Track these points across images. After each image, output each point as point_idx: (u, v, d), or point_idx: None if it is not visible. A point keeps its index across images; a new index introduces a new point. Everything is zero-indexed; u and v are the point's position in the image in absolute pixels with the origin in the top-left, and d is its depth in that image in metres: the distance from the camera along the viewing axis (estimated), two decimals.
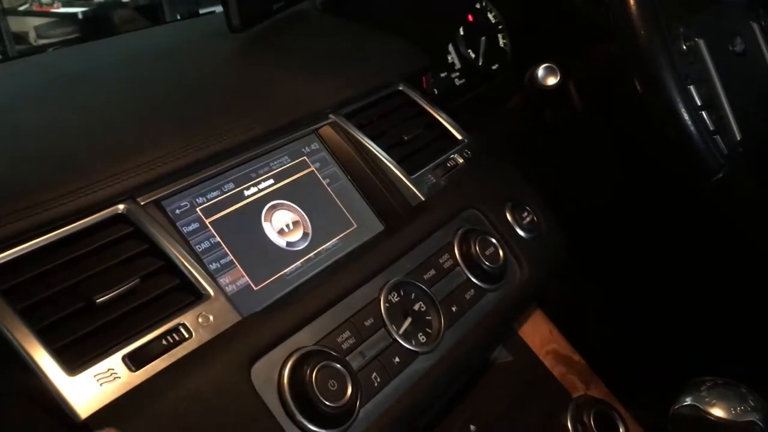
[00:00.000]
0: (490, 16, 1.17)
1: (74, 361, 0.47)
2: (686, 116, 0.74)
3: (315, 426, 0.51)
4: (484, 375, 0.70)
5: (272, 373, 0.52)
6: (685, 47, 0.80)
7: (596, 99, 0.89)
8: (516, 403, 0.69)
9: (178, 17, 3.69)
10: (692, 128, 0.74)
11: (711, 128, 0.78)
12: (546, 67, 0.86)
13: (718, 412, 0.56)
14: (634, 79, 0.75)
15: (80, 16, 3.61)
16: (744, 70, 0.90)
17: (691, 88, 0.77)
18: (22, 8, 3.80)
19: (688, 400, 0.58)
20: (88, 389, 0.46)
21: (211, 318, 0.53)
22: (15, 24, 3.81)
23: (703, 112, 0.78)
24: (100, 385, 0.46)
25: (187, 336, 0.51)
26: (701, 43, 0.83)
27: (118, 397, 0.46)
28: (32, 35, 3.95)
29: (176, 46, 0.85)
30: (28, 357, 0.45)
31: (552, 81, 0.85)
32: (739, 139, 0.82)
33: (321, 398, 0.51)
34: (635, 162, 0.89)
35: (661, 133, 0.75)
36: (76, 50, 0.94)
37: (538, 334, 0.76)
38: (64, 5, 3.68)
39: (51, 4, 3.71)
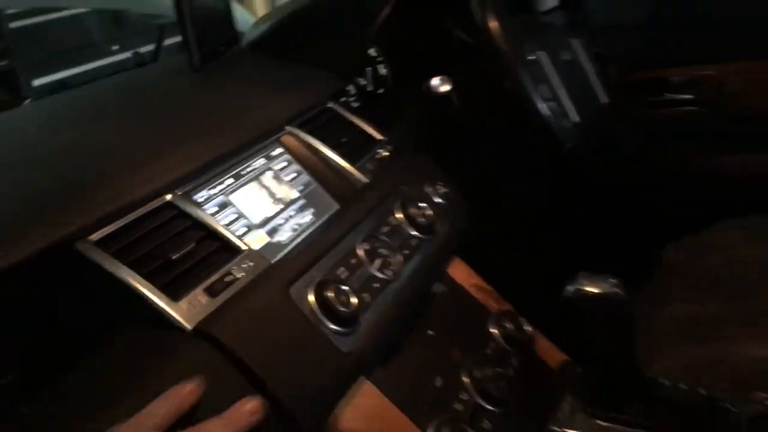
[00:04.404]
0: (370, 51, 1.44)
1: (174, 294, 0.67)
2: (539, 106, 1.05)
3: (335, 326, 0.74)
4: (431, 301, 0.95)
5: (303, 293, 0.74)
6: (531, 57, 1.12)
7: (477, 99, 1.18)
8: (455, 317, 0.95)
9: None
10: (544, 113, 1.05)
11: (558, 113, 1.09)
12: (440, 78, 1.14)
13: (593, 289, 0.84)
14: (503, 83, 1.05)
15: None
16: (572, 72, 1.23)
17: (540, 86, 1.08)
18: None
19: (572, 287, 0.86)
20: (188, 311, 0.66)
21: (251, 264, 0.75)
22: None
23: (550, 103, 1.09)
24: (194, 308, 0.67)
25: (239, 276, 0.72)
26: (542, 55, 1.15)
27: (208, 314, 0.67)
28: None
29: (156, 83, 1.05)
30: (146, 295, 0.65)
31: (445, 88, 1.13)
32: (578, 120, 1.14)
33: (338, 307, 0.74)
34: (511, 142, 1.19)
35: (526, 119, 1.05)
36: (74, 93, 1.12)
37: (461, 273, 1.02)
38: None
39: None
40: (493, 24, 1.04)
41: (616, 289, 0.84)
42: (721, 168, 1.56)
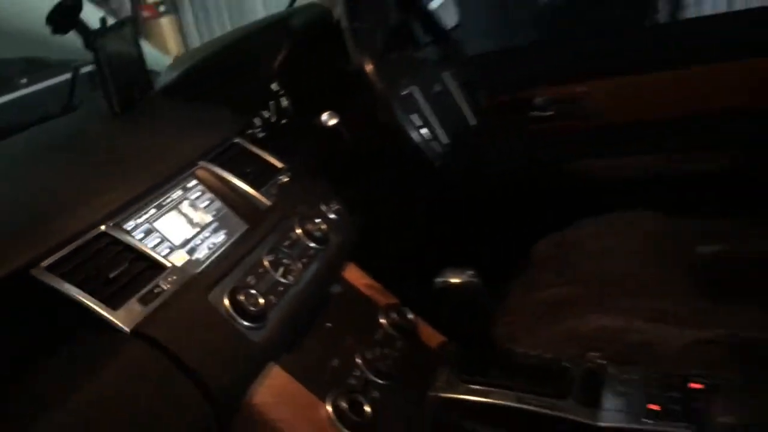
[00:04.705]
0: (272, 86, 1.62)
1: (114, 305, 0.83)
2: (411, 133, 1.27)
3: (247, 322, 0.92)
4: (329, 299, 1.15)
5: (219, 298, 0.92)
6: (405, 93, 1.34)
7: (361, 130, 1.39)
8: (350, 311, 1.15)
9: None
10: (415, 139, 1.27)
11: (429, 137, 1.31)
12: (328, 113, 1.34)
13: (454, 279, 1.06)
14: (380, 116, 1.27)
15: None
16: (443, 101, 1.46)
17: (412, 116, 1.30)
18: None
19: (439, 279, 1.07)
20: (126, 317, 0.83)
21: (175, 278, 0.92)
22: None
23: (422, 130, 1.31)
24: (131, 314, 0.84)
25: (166, 288, 0.90)
26: (414, 89, 1.37)
27: (142, 319, 0.84)
28: None
29: (83, 130, 1.21)
30: (90, 306, 0.82)
31: (332, 122, 1.33)
32: (447, 141, 1.37)
33: (249, 307, 0.92)
34: (391, 165, 1.40)
35: (399, 145, 1.27)
36: (9, 143, 1.26)
37: (354, 275, 1.22)
38: None
39: None
40: (369, 67, 1.25)
41: (473, 279, 1.06)
42: (580, 174, 1.83)
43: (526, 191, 1.71)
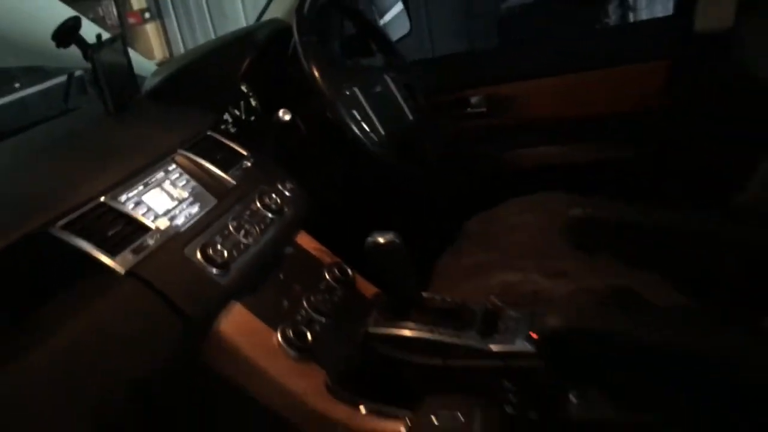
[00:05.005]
0: (242, 88, 1.90)
1: (112, 253, 1.12)
2: (353, 127, 1.56)
3: (215, 269, 1.20)
4: (282, 258, 1.44)
5: (193, 251, 1.20)
6: (348, 93, 1.63)
7: (313, 124, 1.68)
8: (299, 267, 1.43)
9: None
10: (357, 132, 1.56)
11: (368, 130, 1.60)
12: (283, 111, 1.63)
13: (380, 239, 1.34)
14: (327, 113, 1.56)
15: None
16: (383, 101, 1.76)
17: (354, 112, 1.59)
18: None
19: (369, 239, 1.35)
20: (121, 262, 1.11)
21: (159, 236, 1.20)
22: None
23: (362, 123, 1.60)
24: (125, 261, 1.12)
25: (151, 243, 1.18)
26: (356, 90, 1.66)
27: (134, 263, 1.12)
28: None
29: (83, 126, 1.50)
30: (94, 254, 1.10)
31: (287, 117, 1.62)
32: (384, 134, 1.66)
33: (216, 257, 1.21)
34: (337, 154, 1.70)
35: (344, 136, 1.56)
36: (20, 139, 1.55)
37: (305, 240, 1.51)
38: None
39: None
40: (317, 73, 1.54)
41: (395, 239, 1.34)
42: (509, 162, 2.13)
43: (463, 176, 2.01)
